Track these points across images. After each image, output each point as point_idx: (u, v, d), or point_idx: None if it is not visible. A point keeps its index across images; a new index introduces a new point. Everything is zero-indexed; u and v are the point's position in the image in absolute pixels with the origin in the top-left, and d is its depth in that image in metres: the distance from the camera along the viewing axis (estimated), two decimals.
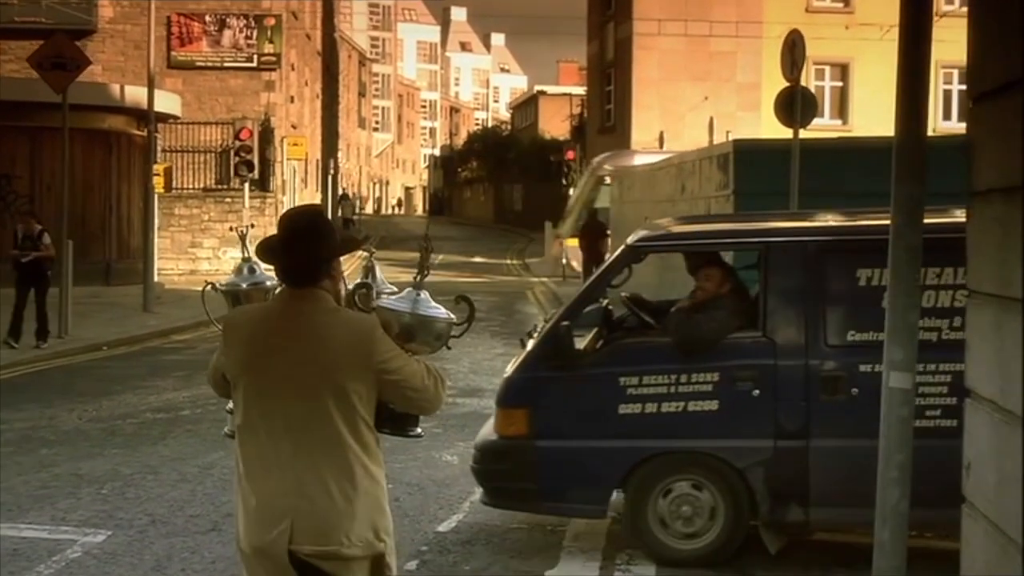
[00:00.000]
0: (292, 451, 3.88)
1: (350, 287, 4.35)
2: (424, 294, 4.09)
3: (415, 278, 4.10)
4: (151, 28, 23.33)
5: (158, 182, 28.28)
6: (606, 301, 8.29)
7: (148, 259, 23.00)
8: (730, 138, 22.55)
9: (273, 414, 3.91)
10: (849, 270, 6.93)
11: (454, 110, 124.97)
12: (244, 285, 4.65)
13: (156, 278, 27.99)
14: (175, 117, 27.59)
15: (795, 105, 14.42)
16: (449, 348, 4.23)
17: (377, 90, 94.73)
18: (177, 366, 16.01)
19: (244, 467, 3.97)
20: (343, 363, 3.90)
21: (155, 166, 28.83)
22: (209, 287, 4.72)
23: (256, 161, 34.58)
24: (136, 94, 24.19)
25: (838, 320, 6.93)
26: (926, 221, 4.83)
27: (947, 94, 38.59)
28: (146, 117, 23.26)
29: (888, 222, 7.26)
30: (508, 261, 41.27)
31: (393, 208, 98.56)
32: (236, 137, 28.32)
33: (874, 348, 6.87)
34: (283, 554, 3.83)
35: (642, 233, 7.71)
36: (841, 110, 36.95)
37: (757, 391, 6.90)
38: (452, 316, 4.14)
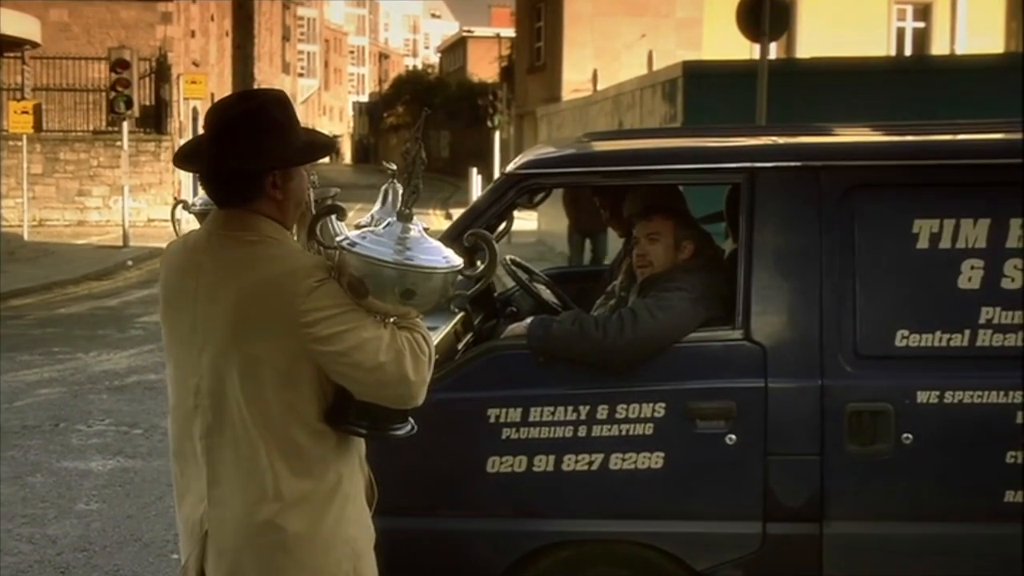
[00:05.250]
0: (201, 450, 2.80)
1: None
2: (416, 229, 2.75)
3: (403, 204, 2.77)
4: None
5: (26, 121, 25.67)
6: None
7: None
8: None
9: (184, 391, 2.83)
10: (900, 221, 3.85)
11: (383, 56, 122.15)
12: None
13: (25, 234, 24.98)
14: (32, 43, 24.13)
15: (763, 12, 11.55)
16: (455, 309, 3.51)
17: (302, 34, 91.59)
18: None
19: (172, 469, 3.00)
20: (252, 321, 2.70)
21: (22, 103, 26.10)
22: (180, 206, 3.87)
23: (150, 101, 31.87)
24: None
25: (880, 310, 3.85)
26: None
27: (900, 32, 36.31)
28: None
29: (977, 137, 4.22)
30: (432, 211, 38.24)
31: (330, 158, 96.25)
32: (112, 69, 24.96)
33: (944, 361, 3.88)
34: None
35: (531, 155, 4.41)
36: (788, 46, 34.28)
37: (732, 436, 3.85)
38: (455, 261, 2.76)
